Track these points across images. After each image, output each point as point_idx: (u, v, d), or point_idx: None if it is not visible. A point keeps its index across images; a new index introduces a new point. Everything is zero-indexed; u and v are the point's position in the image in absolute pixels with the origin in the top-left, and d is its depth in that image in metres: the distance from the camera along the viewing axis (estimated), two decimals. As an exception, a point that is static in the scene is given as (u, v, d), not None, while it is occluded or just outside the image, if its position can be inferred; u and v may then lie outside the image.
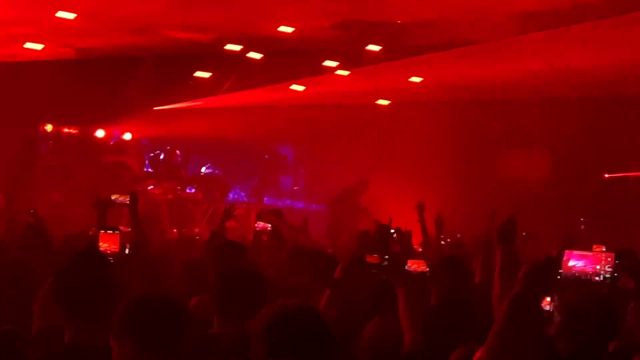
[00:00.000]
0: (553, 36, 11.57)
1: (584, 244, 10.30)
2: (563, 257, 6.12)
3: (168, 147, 18.66)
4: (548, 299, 5.34)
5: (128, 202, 7.02)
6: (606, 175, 17.40)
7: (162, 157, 18.84)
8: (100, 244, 5.89)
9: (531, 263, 4.02)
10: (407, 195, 16.43)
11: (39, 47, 13.30)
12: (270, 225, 8.69)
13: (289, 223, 9.69)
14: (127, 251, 6.19)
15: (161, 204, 16.42)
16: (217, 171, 19.52)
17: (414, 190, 16.32)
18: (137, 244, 6.03)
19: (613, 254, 6.26)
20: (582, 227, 16.55)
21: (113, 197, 7.12)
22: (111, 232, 5.96)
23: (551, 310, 5.12)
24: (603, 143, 16.85)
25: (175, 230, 14.33)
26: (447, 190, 16.68)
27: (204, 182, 18.76)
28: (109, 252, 5.75)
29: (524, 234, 13.39)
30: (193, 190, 17.99)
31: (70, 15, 11.60)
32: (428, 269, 6.02)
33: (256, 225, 8.85)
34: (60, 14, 11.54)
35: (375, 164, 17.77)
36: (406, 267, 6.58)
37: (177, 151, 18.66)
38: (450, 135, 17.08)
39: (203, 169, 19.41)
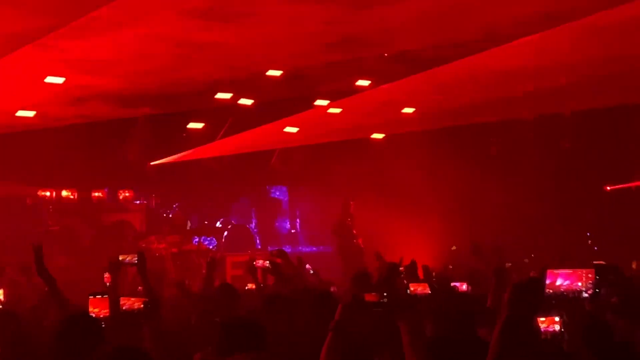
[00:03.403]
0: (540, 44, 11.34)
1: (591, 259, 10.29)
2: (546, 277, 6.13)
3: (175, 205, 18.81)
4: (557, 318, 5.33)
5: (136, 261, 7.00)
6: (608, 188, 17.31)
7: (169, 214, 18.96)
8: (91, 309, 5.82)
9: (513, 286, 4.05)
10: (407, 227, 16.43)
11: (30, 114, 13.30)
12: (268, 262, 8.71)
13: (292, 263, 9.66)
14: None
15: (166, 259, 16.39)
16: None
17: (413, 221, 16.30)
18: (150, 303, 5.90)
19: (593, 270, 6.29)
20: (589, 241, 16.47)
21: (121, 258, 7.06)
22: (100, 296, 5.87)
23: (561, 329, 5.13)
24: (602, 155, 16.76)
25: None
26: (449, 217, 16.61)
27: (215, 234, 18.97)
28: (101, 316, 5.70)
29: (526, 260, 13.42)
30: (196, 241, 18.03)
31: (59, 80, 11.61)
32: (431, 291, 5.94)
33: (255, 262, 8.88)
34: (49, 79, 11.55)
35: (372, 198, 17.67)
36: (408, 291, 6.50)
37: (175, 205, 18.78)
38: (447, 162, 16.96)
39: (218, 223, 19.56)
